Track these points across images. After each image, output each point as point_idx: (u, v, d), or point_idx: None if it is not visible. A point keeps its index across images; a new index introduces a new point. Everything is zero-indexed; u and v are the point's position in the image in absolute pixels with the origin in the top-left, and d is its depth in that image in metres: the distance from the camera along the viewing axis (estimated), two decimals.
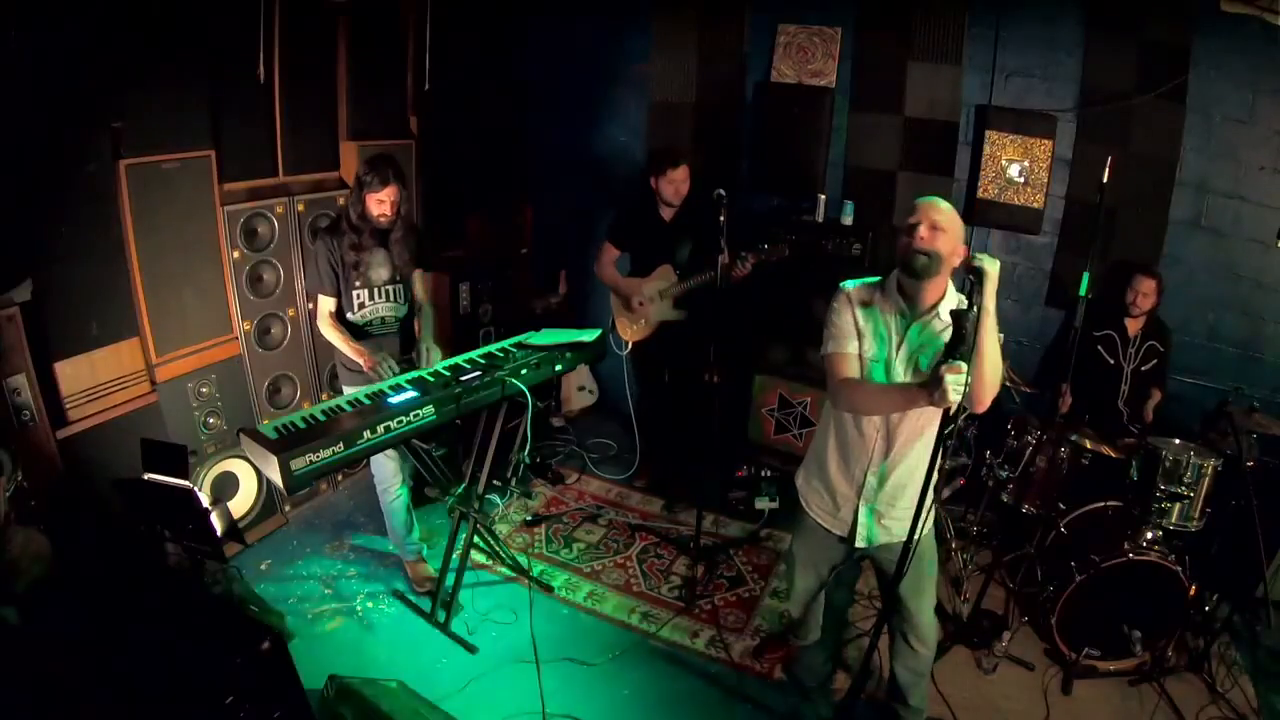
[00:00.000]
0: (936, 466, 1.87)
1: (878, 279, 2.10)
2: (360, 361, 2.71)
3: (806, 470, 2.34)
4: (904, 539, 2.05)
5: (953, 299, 2.02)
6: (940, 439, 1.85)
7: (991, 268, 1.76)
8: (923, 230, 1.92)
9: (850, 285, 2.11)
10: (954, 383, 1.71)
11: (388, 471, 3.00)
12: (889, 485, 2.13)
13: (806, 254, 3.79)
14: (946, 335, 1.93)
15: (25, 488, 2.39)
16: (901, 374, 2.03)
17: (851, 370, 2.04)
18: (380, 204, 2.74)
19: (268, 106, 3.21)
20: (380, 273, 2.88)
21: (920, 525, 1.92)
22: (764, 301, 3.98)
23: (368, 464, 3.72)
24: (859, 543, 2.20)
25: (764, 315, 4.05)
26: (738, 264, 3.19)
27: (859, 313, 2.05)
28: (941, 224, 1.92)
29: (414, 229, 2.97)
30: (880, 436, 2.09)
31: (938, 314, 1.99)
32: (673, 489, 3.91)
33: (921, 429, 2.06)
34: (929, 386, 1.78)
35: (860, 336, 2.05)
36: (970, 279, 1.76)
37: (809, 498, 2.32)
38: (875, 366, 2.04)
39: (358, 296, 2.85)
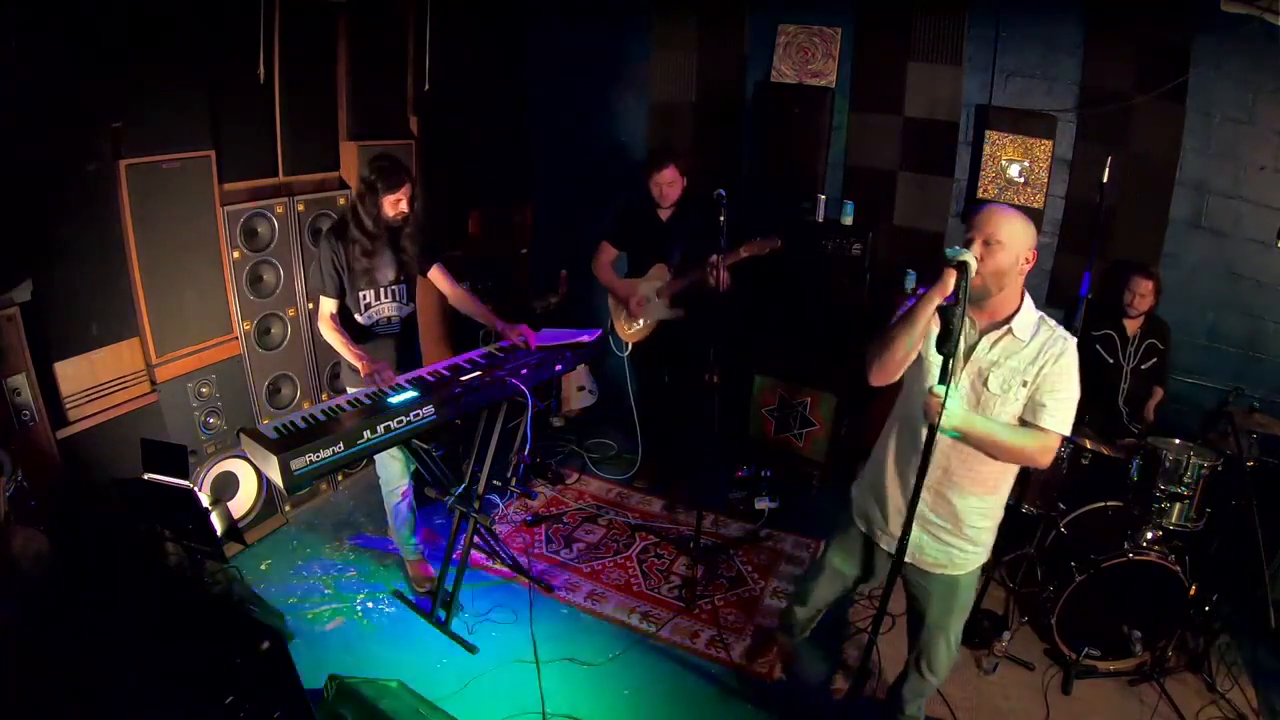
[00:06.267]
0: (923, 485, 1.80)
1: None
2: (359, 366, 2.70)
3: (862, 481, 2.25)
4: (947, 570, 2.03)
5: (1031, 315, 1.91)
6: (924, 458, 1.78)
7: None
8: (976, 248, 1.82)
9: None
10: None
11: (394, 473, 2.99)
12: (942, 508, 2.02)
13: (806, 254, 3.80)
14: (1024, 353, 1.87)
15: (25, 488, 2.39)
16: (966, 384, 1.93)
17: None
18: (397, 204, 2.73)
19: (268, 106, 3.21)
20: (387, 273, 2.86)
21: (905, 540, 1.85)
22: (764, 301, 3.98)
23: (368, 464, 3.74)
24: (906, 557, 2.03)
25: (764, 315, 4.05)
26: (712, 271, 3.10)
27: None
28: (999, 238, 1.81)
29: (419, 227, 2.95)
30: (941, 450, 1.95)
31: (1011, 330, 1.88)
32: (673, 489, 3.92)
33: (987, 467, 1.95)
34: (922, 301, 1.81)
35: (925, 336, 1.93)
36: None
37: (865, 509, 2.21)
38: (935, 367, 1.91)
39: (364, 297, 2.84)
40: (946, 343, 1.71)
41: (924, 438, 1.82)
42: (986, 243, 1.82)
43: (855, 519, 2.26)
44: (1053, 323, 1.92)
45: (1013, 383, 1.88)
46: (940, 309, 1.77)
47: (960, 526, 2.02)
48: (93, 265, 2.68)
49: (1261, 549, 2.60)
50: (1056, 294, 3.75)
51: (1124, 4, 3.32)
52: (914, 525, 1.99)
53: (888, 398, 2.17)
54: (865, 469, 2.26)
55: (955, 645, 2.21)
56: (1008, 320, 1.90)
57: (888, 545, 2.14)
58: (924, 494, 1.97)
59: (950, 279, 1.74)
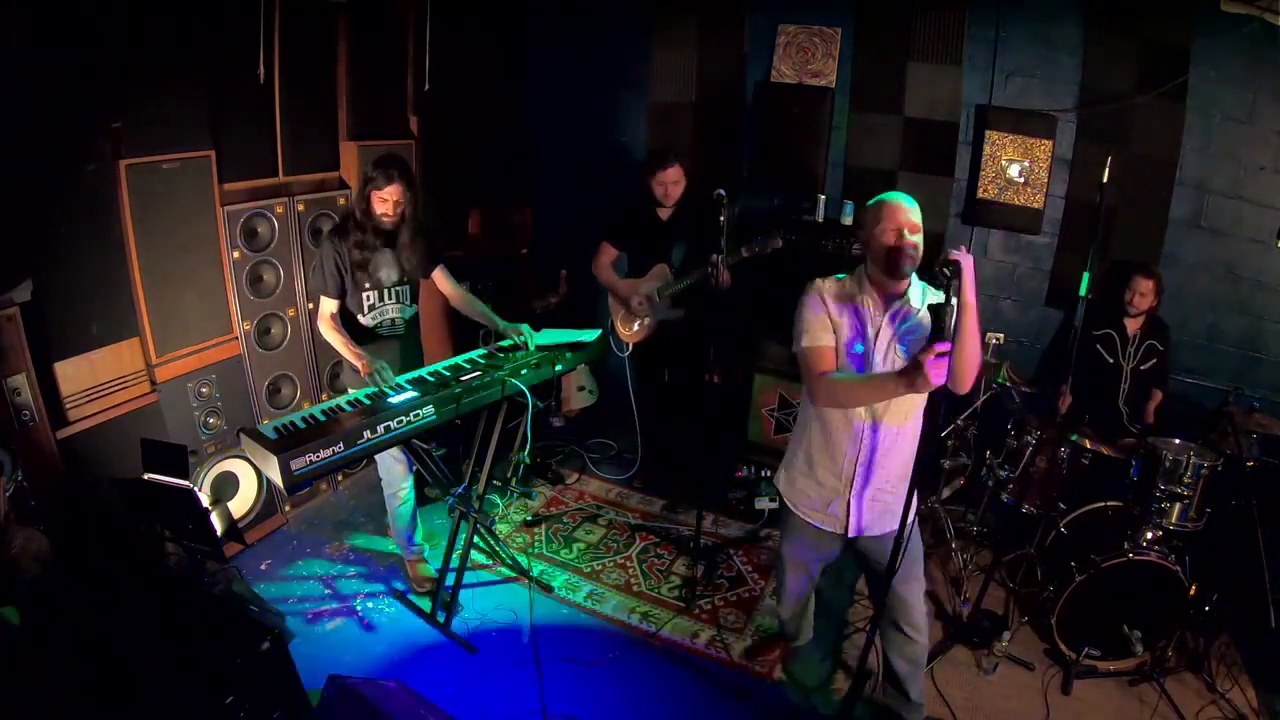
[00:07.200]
0: (911, 461, 1.92)
1: (844, 275, 2.16)
2: (358, 365, 2.70)
3: (789, 471, 2.35)
4: (893, 530, 2.06)
5: (918, 285, 2.09)
6: (931, 429, 1.87)
7: (965, 261, 1.79)
8: (909, 235, 1.99)
9: (821, 280, 2.16)
10: (936, 368, 1.76)
11: (397, 474, 3.00)
12: (877, 475, 2.15)
13: (806, 254, 3.79)
14: (922, 318, 2.05)
15: (25, 488, 2.39)
16: (881, 362, 2.07)
17: (829, 363, 2.07)
18: (383, 202, 2.72)
19: (268, 106, 3.21)
20: (389, 274, 2.86)
21: (911, 517, 1.94)
22: (764, 301, 3.97)
23: (368, 464, 3.74)
24: (850, 533, 2.22)
25: (764, 315, 4.04)
26: (712, 272, 3.07)
27: (833, 306, 2.09)
28: (918, 223, 2.01)
29: (423, 232, 2.94)
30: (866, 428, 2.11)
31: (908, 299, 2.08)
32: (673, 489, 3.91)
33: (906, 416, 2.10)
34: (908, 374, 1.83)
35: (836, 329, 2.08)
36: (946, 273, 1.77)
37: (795, 499, 2.33)
38: (852, 359, 2.08)
39: (368, 299, 2.84)
40: (939, 339, 1.77)
41: (865, 420, 2.09)
42: (914, 230, 2.01)
43: (793, 510, 2.33)
44: (923, 284, 2.12)
45: (916, 345, 2.03)
46: (932, 307, 1.83)
47: (901, 483, 2.14)
48: (93, 265, 2.68)
49: (1261, 549, 2.60)
50: (1056, 293, 3.75)
51: (1124, 4, 3.32)
52: (867, 500, 2.18)
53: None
54: (790, 461, 2.34)
55: (923, 594, 2.32)
56: (904, 295, 2.09)
57: (831, 527, 2.25)
58: (859, 471, 2.15)
59: (929, 384, 1.79)
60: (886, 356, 2.07)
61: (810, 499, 2.27)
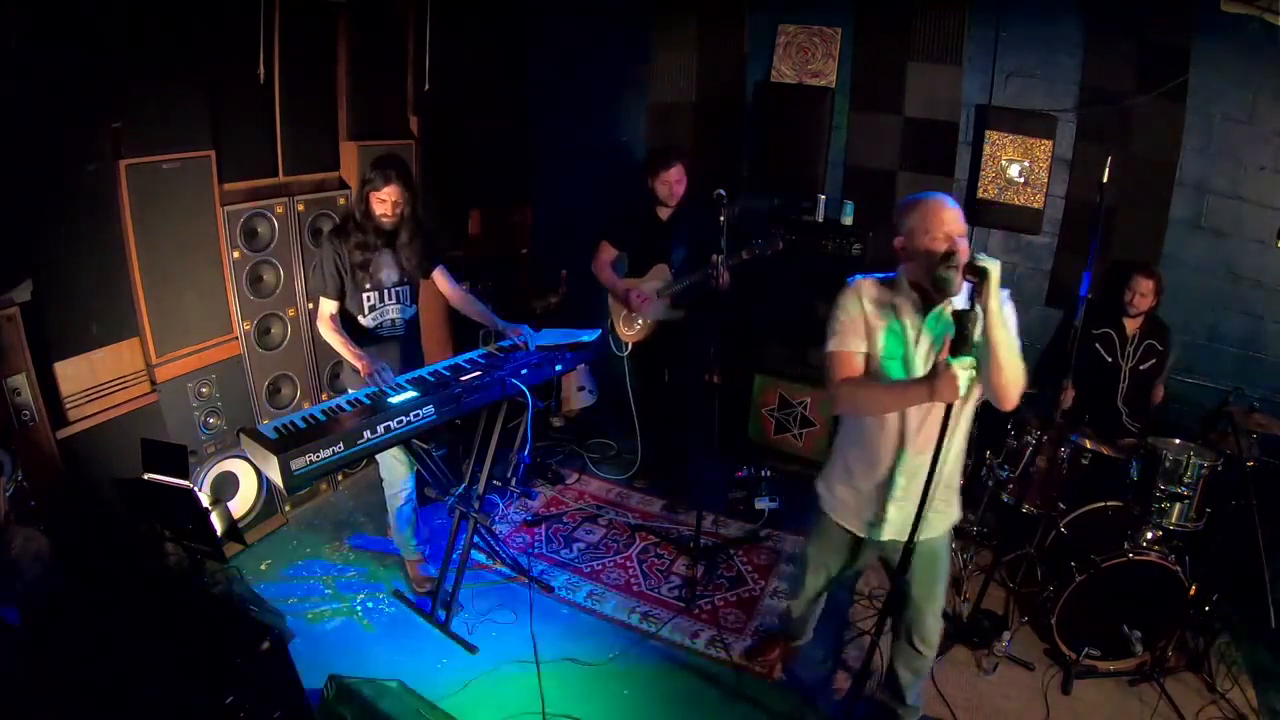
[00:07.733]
0: (938, 469, 1.86)
1: (888, 275, 2.02)
2: (359, 366, 2.70)
3: (829, 477, 2.27)
4: (928, 535, 2.03)
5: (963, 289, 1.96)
6: (941, 439, 1.83)
7: (993, 267, 1.73)
8: (962, 246, 1.84)
9: (862, 279, 2.02)
10: (959, 377, 1.71)
11: (398, 475, 3.00)
12: (914, 484, 2.04)
13: (806, 254, 3.80)
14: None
15: (25, 488, 2.39)
16: (921, 369, 1.95)
17: (853, 369, 1.97)
18: (381, 203, 2.72)
19: (268, 106, 3.21)
20: (390, 275, 2.87)
21: (919, 526, 1.91)
22: (763, 301, 3.98)
23: (368, 464, 3.74)
24: (885, 536, 2.13)
25: (764, 315, 4.05)
26: (713, 272, 3.07)
27: (870, 309, 1.97)
28: (964, 230, 1.89)
29: (422, 232, 2.95)
30: (909, 434, 2.01)
31: (950, 301, 1.92)
32: (673, 489, 3.92)
33: (954, 422, 1.99)
34: (930, 381, 1.78)
35: (871, 333, 1.97)
36: (972, 280, 1.75)
37: (833, 506, 2.26)
38: (892, 364, 1.97)
39: (368, 299, 2.85)
40: (962, 347, 1.73)
41: (899, 429, 1.99)
42: (961, 237, 1.87)
43: (829, 514, 2.28)
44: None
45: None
46: (957, 314, 1.76)
47: (938, 489, 2.01)
48: (93, 265, 2.68)
49: (1261, 549, 2.59)
50: (1056, 293, 3.75)
51: (1124, 4, 3.32)
52: (904, 506, 2.07)
53: None
54: (833, 465, 2.28)
55: (940, 612, 2.27)
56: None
57: (864, 532, 2.19)
58: (899, 479, 2.06)
59: (955, 392, 1.75)
60: (926, 364, 1.95)
61: (846, 504, 2.21)
